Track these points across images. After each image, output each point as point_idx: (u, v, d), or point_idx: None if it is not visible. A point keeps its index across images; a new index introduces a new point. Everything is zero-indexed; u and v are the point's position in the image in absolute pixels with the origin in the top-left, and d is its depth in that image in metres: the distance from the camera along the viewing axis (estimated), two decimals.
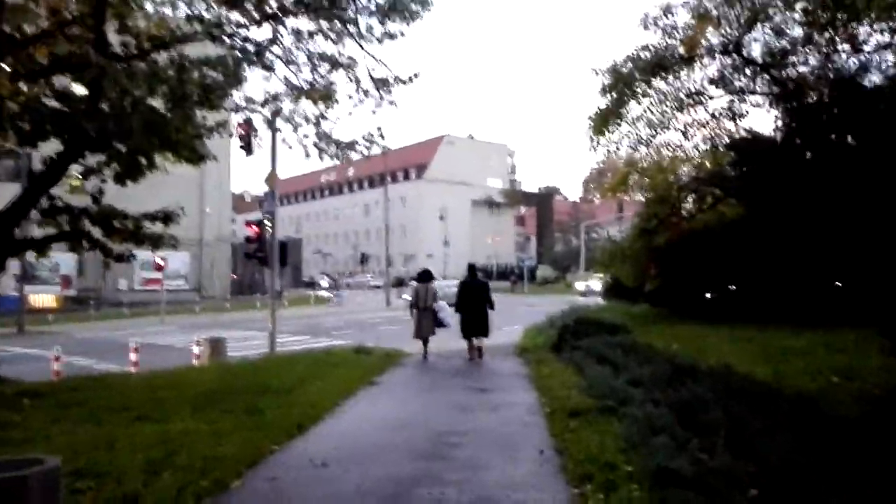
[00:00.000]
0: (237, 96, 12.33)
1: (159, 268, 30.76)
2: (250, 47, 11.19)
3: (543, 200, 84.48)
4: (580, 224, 67.25)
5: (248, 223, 16.60)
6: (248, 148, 16.29)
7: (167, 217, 11.30)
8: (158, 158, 11.24)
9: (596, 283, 46.57)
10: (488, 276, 69.53)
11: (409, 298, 13.89)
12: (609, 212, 74.09)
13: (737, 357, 9.20)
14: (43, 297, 37.02)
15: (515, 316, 27.90)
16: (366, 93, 12.16)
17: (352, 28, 10.91)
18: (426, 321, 13.28)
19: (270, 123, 14.61)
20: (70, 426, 7.37)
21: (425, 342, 13.33)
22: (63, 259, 35.70)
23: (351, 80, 12.04)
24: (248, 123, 14.81)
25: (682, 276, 15.11)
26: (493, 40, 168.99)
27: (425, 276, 13.90)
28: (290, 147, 13.27)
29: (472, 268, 14.00)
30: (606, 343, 11.97)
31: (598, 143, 15.73)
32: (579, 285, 49.47)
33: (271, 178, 16.25)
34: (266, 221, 16.08)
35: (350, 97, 12.18)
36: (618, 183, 16.91)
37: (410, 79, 12.11)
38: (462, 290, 13.22)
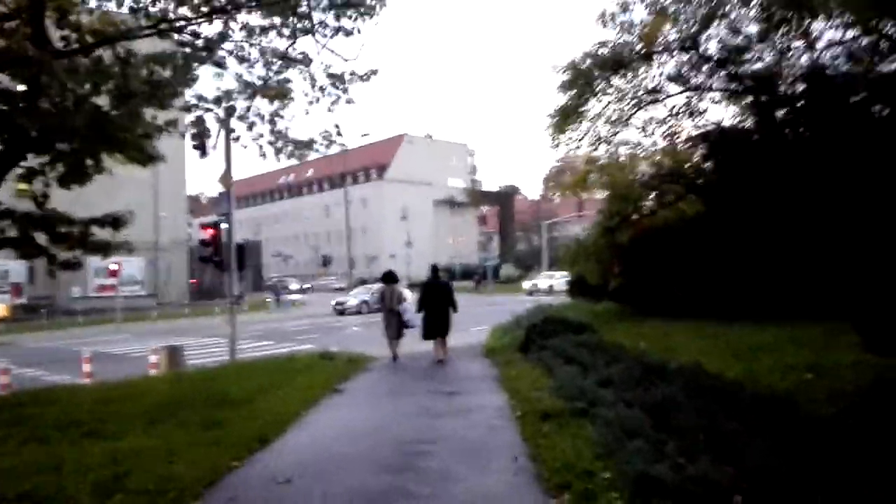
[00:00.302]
0: (188, 94, 11.91)
1: (113, 273, 29.81)
2: (200, 43, 10.78)
3: (504, 199, 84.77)
4: (541, 222, 67.47)
5: (204, 225, 16.06)
6: (202, 149, 15.80)
7: (116, 222, 10.79)
8: (107, 160, 10.78)
9: (543, 280, 46.87)
10: (452, 276, 69.76)
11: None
12: (570, 210, 74.55)
13: (705, 355, 9.13)
14: None
15: (481, 316, 27.79)
16: (321, 90, 11.84)
17: (306, 23, 10.55)
18: (392, 323, 13.20)
19: (224, 123, 14.15)
20: (15, 446, 6.95)
21: (390, 345, 13.26)
22: (12, 267, 34.42)
23: (305, 78, 11.72)
24: (200, 123, 14.39)
25: (645, 274, 15.10)
26: (451, 39, 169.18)
27: (389, 278, 13.79)
28: (245, 147, 13.00)
29: (434, 268, 14.02)
30: (573, 343, 11.87)
31: (558, 140, 15.67)
32: (526, 284, 49.60)
33: (226, 179, 15.74)
34: (222, 223, 15.60)
35: (306, 94, 11.85)
36: (578, 181, 16.84)
37: (368, 75, 11.84)
38: (425, 291, 13.23)
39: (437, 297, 12.91)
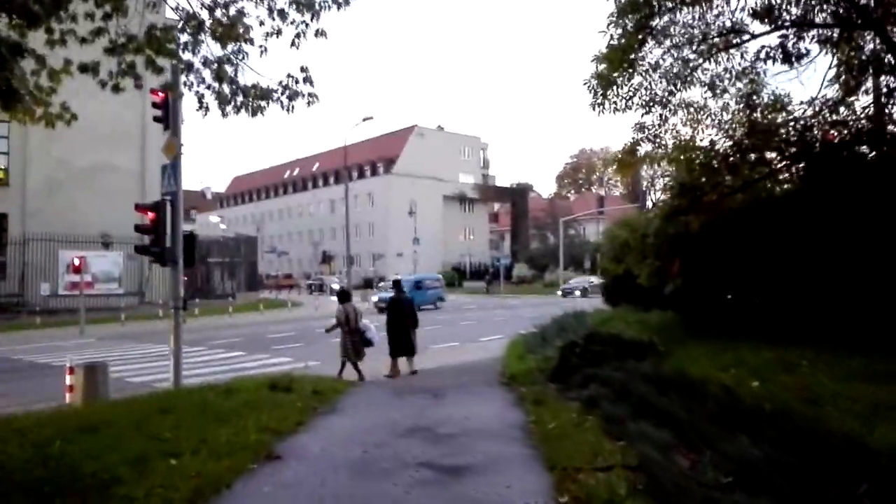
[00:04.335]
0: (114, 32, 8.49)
1: (76, 270, 26.19)
2: None
3: (518, 196, 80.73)
4: (557, 220, 63.26)
5: (141, 207, 12.39)
6: (165, 119, 12.45)
7: None
8: None
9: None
10: (462, 276, 66.32)
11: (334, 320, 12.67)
12: (585, 208, 70.51)
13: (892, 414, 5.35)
14: None
15: (494, 323, 24.30)
16: (281, 15, 8.39)
17: None
18: (356, 343, 12.27)
19: (158, 69, 10.62)
20: None
21: (355, 366, 12.23)
22: None
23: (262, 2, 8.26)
24: (165, 88, 11.16)
25: (722, 273, 11.19)
26: (464, 29, 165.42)
27: (345, 296, 13.18)
28: (181, 96, 9.92)
29: (397, 283, 13.90)
30: (638, 374, 8.12)
31: (603, 99, 11.81)
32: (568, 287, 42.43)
33: (169, 148, 12.10)
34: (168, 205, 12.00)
35: (262, 23, 8.41)
36: (626, 153, 12.83)
37: None
38: (390, 307, 13.21)
39: (400, 314, 12.77)
